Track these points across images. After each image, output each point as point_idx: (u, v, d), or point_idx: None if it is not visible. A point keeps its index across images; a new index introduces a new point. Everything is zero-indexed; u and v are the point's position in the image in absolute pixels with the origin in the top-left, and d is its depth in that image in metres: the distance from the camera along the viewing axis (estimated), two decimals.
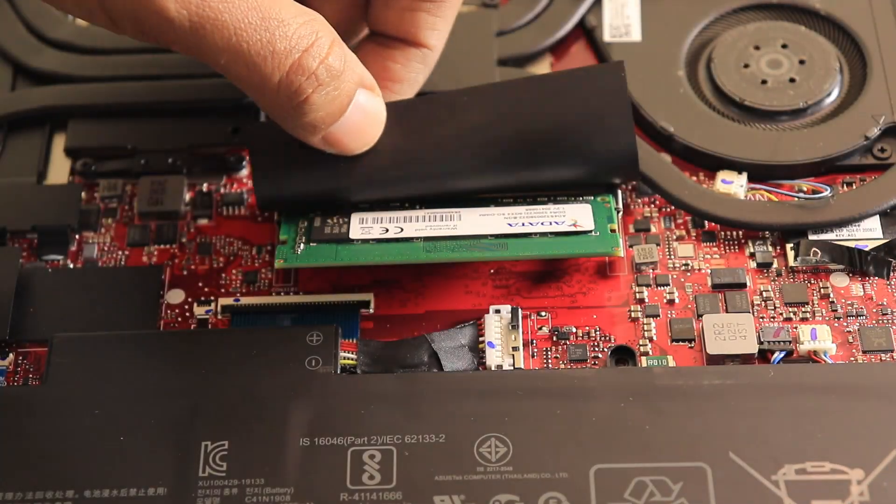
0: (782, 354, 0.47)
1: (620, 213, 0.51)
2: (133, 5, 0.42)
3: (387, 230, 0.50)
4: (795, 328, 0.48)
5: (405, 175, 0.50)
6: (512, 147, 0.49)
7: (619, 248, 0.49)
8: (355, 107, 0.46)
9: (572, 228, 0.49)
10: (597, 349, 0.49)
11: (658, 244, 0.52)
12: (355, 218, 0.50)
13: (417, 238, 0.49)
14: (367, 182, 0.50)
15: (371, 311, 0.50)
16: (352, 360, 0.47)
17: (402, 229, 0.49)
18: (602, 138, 0.49)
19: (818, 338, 0.47)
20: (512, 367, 0.47)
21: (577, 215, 0.50)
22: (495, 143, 0.49)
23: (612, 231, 0.49)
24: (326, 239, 0.50)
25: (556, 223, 0.49)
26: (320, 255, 0.49)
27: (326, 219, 0.50)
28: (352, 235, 0.49)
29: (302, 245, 0.50)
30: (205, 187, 0.55)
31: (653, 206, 0.53)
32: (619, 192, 0.51)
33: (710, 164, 0.53)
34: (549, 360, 0.49)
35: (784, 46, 0.56)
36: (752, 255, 0.51)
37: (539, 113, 0.49)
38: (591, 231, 0.49)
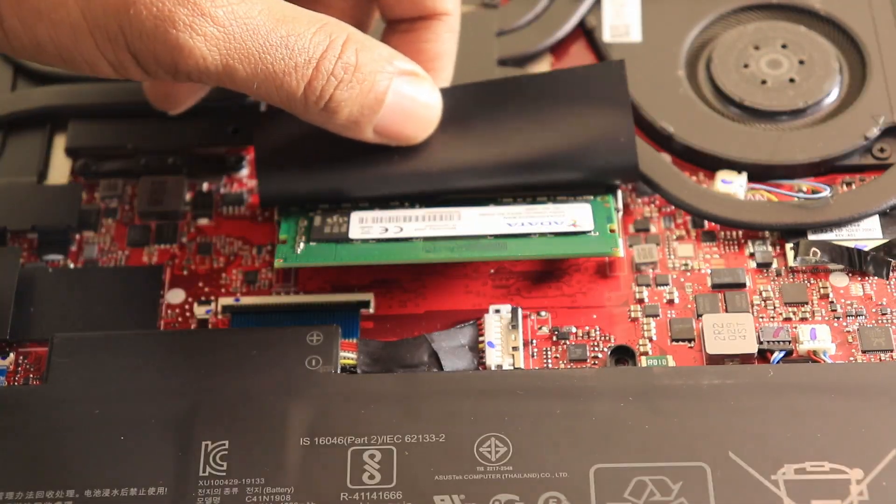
0: (782, 354, 0.48)
1: (620, 213, 0.51)
2: (168, 59, 0.43)
3: (386, 230, 0.50)
4: (795, 328, 0.48)
5: (406, 171, 0.50)
6: (512, 144, 0.49)
7: (619, 248, 0.49)
8: (396, 95, 0.47)
9: (572, 228, 0.49)
10: (597, 349, 0.49)
11: (658, 244, 0.52)
12: (355, 217, 0.50)
13: (417, 238, 0.49)
14: (369, 178, 0.50)
15: (371, 311, 0.50)
16: (352, 360, 0.47)
17: (401, 229, 0.49)
18: (602, 137, 0.49)
19: (818, 338, 0.47)
20: (512, 367, 0.47)
21: (576, 215, 0.50)
22: (496, 139, 0.49)
23: (612, 231, 0.49)
24: (326, 238, 0.50)
25: (556, 223, 0.49)
26: (320, 254, 0.49)
27: (326, 218, 0.50)
28: (351, 235, 0.49)
29: (302, 244, 0.50)
30: (205, 187, 0.55)
31: (653, 206, 0.53)
32: (619, 192, 0.51)
33: (710, 164, 0.53)
34: (549, 360, 0.49)
35: (784, 46, 0.56)
36: (752, 255, 0.51)
37: (539, 110, 0.50)
38: (590, 231, 0.49)
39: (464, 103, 0.50)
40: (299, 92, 0.45)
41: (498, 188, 0.50)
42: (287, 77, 0.45)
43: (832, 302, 0.49)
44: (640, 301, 0.50)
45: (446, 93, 0.50)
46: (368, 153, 0.49)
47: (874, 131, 0.53)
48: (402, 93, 0.47)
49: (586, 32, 0.59)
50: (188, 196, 0.55)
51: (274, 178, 0.50)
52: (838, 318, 0.49)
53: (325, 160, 0.50)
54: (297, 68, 0.45)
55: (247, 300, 0.50)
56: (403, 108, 0.48)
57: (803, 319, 0.49)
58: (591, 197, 0.51)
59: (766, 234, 0.52)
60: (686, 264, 0.51)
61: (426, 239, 0.49)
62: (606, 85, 0.50)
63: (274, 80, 0.45)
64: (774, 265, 0.51)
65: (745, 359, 0.47)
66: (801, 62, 0.56)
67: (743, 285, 0.50)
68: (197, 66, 0.43)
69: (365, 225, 0.50)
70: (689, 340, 0.49)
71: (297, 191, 0.50)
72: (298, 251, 0.49)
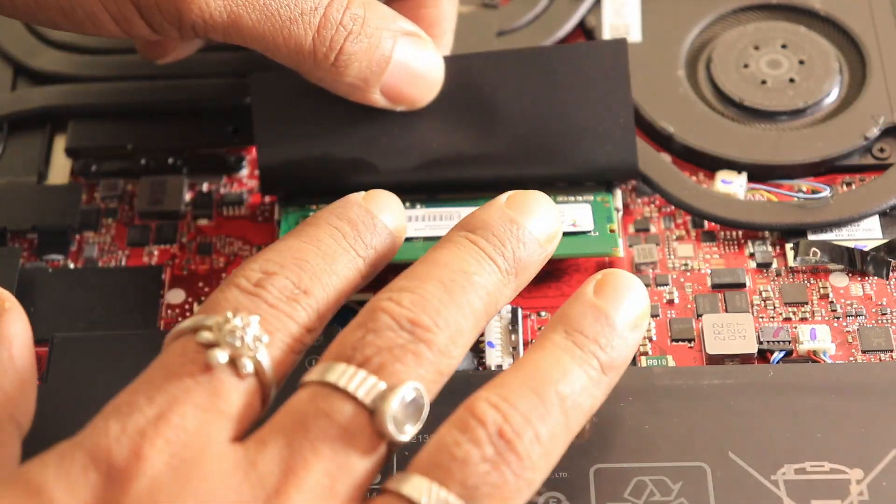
0: (782, 354, 0.48)
1: (620, 213, 0.51)
2: (172, 8, 0.43)
3: None
4: (795, 328, 0.48)
5: (406, 160, 0.50)
6: (508, 125, 0.49)
7: (619, 248, 0.49)
8: (401, 54, 0.47)
9: (572, 228, 0.49)
10: None
11: (658, 244, 0.52)
12: None
13: (417, 238, 0.49)
14: (369, 159, 0.50)
15: None
16: None
17: None
18: (600, 119, 0.49)
19: (817, 338, 0.47)
20: None
21: (576, 215, 0.50)
22: (491, 119, 0.49)
23: (612, 231, 0.49)
24: None
25: None
26: None
27: None
28: None
29: None
30: (205, 187, 0.55)
31: (653, 206, 0.53)
32: (619, 191, 0.51)
33: (710, 164, 0.53)
34: None
35: (784, 47, 0.56)
36: (752, 255, 0.51)
37: (535, 88, 0.49)
38: (590, 231, 0.49)
39: (460, 75, 0.50)
40: (307, 41, 0.45)
41: (499, 178, 0.50)
42: (294, 25, 0.45)
43: (832, 302, 0.49)
44: None
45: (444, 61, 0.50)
46: (371, 139, 0.49)
47: (874, 131, 0.53)
48: (406, 52, 0.47)
49: (586, 32, 0.59)
50: (188, 196, 0.55)
51: (276, 161, 0.50)
52: (838, 318, 0.49)
53: (326, 142, 0.50)
54: (304, 14, 0.45)
55: None
56: (409, 69, 0.48)
57: (803, 319, 0.49)
58: (591, 197, 0.51)
59: (766, 234, 0.52)
60: (686, 264, 0.51)
61: (426, 239, 0.49)
62: (606, 64, 0.49)
63: (281, 30, 0.45)
64: (774, 265, 0.51)
65: (745, 359, 0.47)
66: (801, 62, 0.56)
67: (743, 285, 0.50)
68: (202, 15, 0.43)
69: None
70: (689, 340, 0.49)
71: (298, 169, 0.50)
72: None
